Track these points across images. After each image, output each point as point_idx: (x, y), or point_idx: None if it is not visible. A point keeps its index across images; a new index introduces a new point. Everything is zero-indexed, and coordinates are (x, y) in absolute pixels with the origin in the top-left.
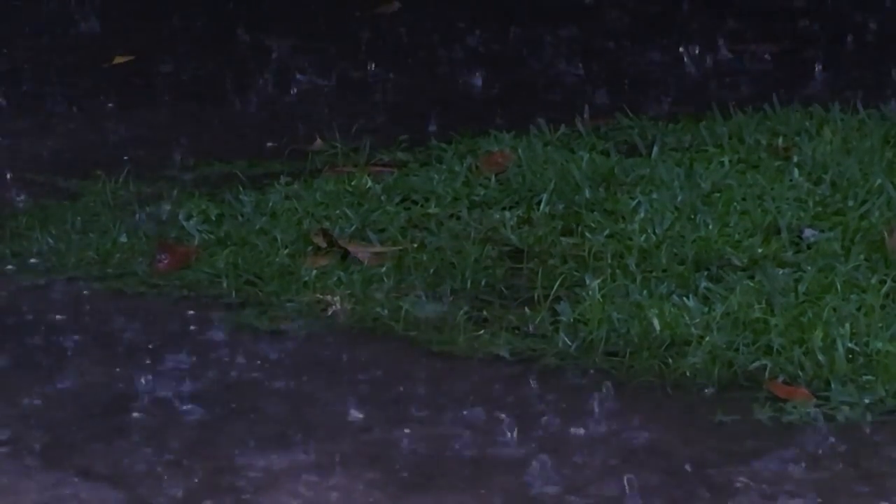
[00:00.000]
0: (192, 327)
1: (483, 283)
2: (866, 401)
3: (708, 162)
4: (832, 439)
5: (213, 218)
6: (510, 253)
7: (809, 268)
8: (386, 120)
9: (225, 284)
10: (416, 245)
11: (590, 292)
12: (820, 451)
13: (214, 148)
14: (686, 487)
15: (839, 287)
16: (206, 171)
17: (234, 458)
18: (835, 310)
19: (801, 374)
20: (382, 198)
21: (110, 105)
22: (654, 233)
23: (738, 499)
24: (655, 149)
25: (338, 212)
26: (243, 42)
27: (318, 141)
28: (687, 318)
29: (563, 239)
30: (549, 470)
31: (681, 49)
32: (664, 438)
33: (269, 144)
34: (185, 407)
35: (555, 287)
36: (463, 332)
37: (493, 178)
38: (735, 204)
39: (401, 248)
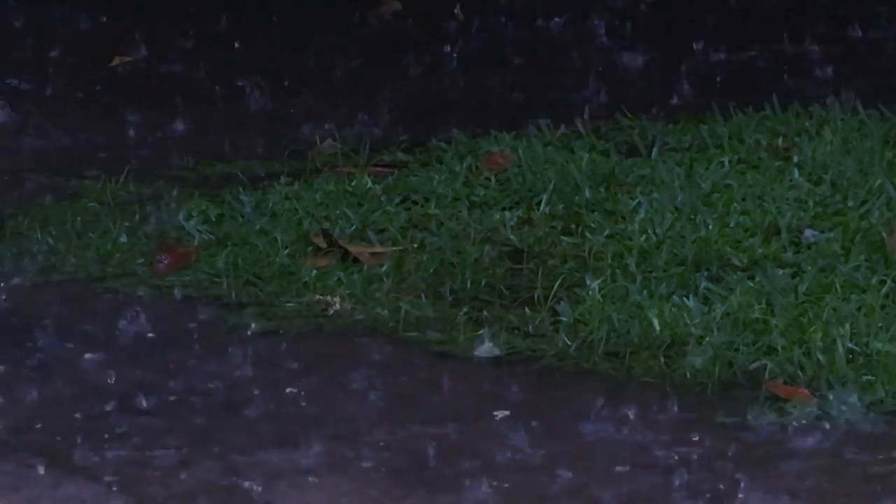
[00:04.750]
0: (191, 327)
1: (483, 283)
2: (866, 401)
3: (708, 162)
4: (832, 439)
5: (213, 218)
6: (510, 253)
7: (809, 268)
8: (386, 120)
9: (225, 284)
10: (416, 245)
11: (590, 292)
12: (820, 451)
13: (214, 148)
14: (687, 488)
15: (839, 287)
16: (206, 171)
17: (235, 457)
18: (835, 310)
19: (801, 374)
20: (382, 198)
21: (110, 105)
22: (654, 233)
23: (738, 499)
24: (655, 149)
25: (338, 212)
26: (243, 42)
27: (329, 141)
28: (687, 318)
29: (563, 239)
30: (548, 470)
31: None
32: (664, 438)
33: (270, 145)
34: (185, 407)
35: (555, 287)
36: (463, 332)
37: (493, 178)
38: (735, 204)
39: (401, 248)
